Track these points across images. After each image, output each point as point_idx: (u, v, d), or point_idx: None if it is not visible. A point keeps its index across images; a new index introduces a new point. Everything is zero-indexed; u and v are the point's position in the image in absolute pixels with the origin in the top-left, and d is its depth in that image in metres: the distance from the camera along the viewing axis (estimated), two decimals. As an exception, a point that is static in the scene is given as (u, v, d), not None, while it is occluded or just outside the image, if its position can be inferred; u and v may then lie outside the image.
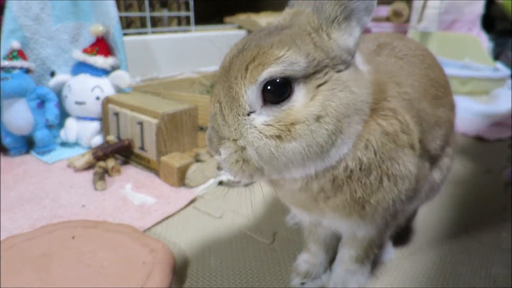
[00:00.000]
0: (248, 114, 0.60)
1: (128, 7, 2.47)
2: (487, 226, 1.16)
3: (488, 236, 1.11)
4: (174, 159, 1.40)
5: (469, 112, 2.20)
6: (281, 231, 1.13)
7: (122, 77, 1.70)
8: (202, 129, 1.56)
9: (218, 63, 0.66)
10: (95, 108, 1.68)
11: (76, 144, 1.72)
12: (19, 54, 1.60)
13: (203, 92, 2.20)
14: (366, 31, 0.64)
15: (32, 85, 1.60)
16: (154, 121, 1.42)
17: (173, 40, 2.58)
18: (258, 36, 0.62)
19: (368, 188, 0.67)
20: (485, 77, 2.74)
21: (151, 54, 2.43)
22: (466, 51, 3.00)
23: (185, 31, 2.77)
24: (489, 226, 1.16)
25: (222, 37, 2.85)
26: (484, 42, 3.15)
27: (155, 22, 2.64)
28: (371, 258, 0.88)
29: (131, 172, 1.51)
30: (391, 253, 1.01)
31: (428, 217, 1.19)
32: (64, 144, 1.73)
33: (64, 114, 1.73)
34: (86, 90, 1.68)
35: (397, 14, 3.17)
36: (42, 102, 1.63)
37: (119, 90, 1.75)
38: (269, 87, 0.58)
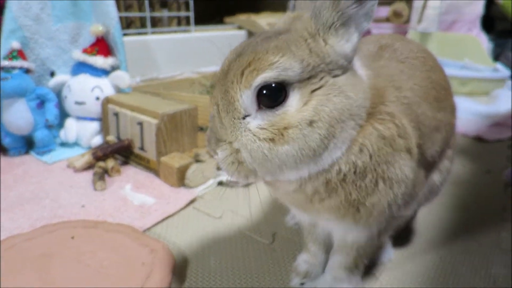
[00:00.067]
0: (244, 118, 0.61)
1: (128, 7, 2.47)
2: (487, 226, 1.16)
3: (488, 236, 1.11)
4: (174, 160, 1.40)
5: (469, 113, 2.20)
6: (281, 231, 1.13)
7: (122, 77, 1.70)
8: (202, 129, 1.56)
9: (218, 63, 0.67)
10: (95, 108, 1.68)
11: (75, 144, 1.72)
12: (19, 54, 1.60)
13: (203, 92, 2.20)
14: (366, 32, 0.64)
15: (32, 85, 1.60)
16: (154, 121, 1.42)
17: (173, 40, 2.58)
18: (256, 41, 0.64)
19: (363, 190, 0.67)
20: (485, 77, 2.74)
21: (151, 54, 2.43)
22: (465, 52, 3.00)
23: (185, 31, 2.77)
24: (489, 226, 1.16)
25: (222, 38, 2.85)
26: (484, 42, 3.15)
27: (155, 22, 2.64)
28: (361, 269, 0.87)
29: (131, 172, 1.51)
30: (391, 254, 1.01)
31: (428, 217, 1.19)
32: (63, 144, 1.73)
33: (64, 114, 1.73)
34: (86, 90, 1.68)
35: (397, 14, 3.18)
36: (42, 102, 1.63)
37: (119, 90, 1.75)
38: (264, 92, 0.59)
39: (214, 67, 0.71)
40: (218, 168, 1.41)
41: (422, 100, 0.77)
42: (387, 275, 0.95)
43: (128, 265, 0.86)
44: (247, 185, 1.30)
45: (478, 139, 1.93)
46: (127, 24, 2.47)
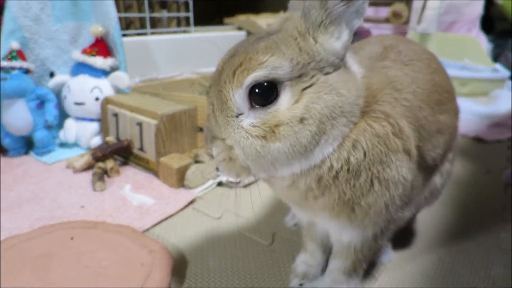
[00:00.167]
0: (237, 116, 0.63)
1: (127, 8, 2.47)
2: (486, 227, 1.16)
3: (487, 237, 1.11)
4: (173, 160, 1.40)
5: (469, 113, 2.19)
6: (280, 232, 1.13)
7: (121, 78, 1.70)
8: (201, 130, 1.56)
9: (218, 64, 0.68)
10: (94, 108, 1.68)
11: (75, 144, 1.72)
12: (19, 54, 1.60)
13: (203, 92, 2.20)
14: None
15: (31, 85, 1.60)
16: (153, 121, 1.42)
17: (173, 41, 2.58)
18: (248, 42, 0.66)
19: (357, 190, 0.67)
20: (484, 78, 2.74)
21: (150, 54, 2.43)
22: (465, 52, 3.00)
23: (184, 32, 2.77)
24: (489, 227, 1.16)
25: (222, 38, 2.85)
26: (483, 43, 3.16)
27: (155, 23, 2.64)
28: (360, 273, 0.87)
29: (130, 173, 1.51)
30: (391, 255, 1.01)
31: (427, 217, 1.19)
32: (63, 144, 1.73)
33: (63, 115, 1.73)
34: (85, 91, 1.68)
35: (396, 15, 3.18)
36: (41, 103, 1.63)
37: (118, 90, 1.75)
38: (256, 91, 0.61)
39: (213, 68, 0.71)
40: (218, 169, 1.41)
41: (424, 103, 0.76)
42: (386, 275, 0.95)
43: (127, 265, 0.86)
44: (247, 186, 1.30)
45: (478, 139, 1.93)
46: (126, 24, 2.47)
